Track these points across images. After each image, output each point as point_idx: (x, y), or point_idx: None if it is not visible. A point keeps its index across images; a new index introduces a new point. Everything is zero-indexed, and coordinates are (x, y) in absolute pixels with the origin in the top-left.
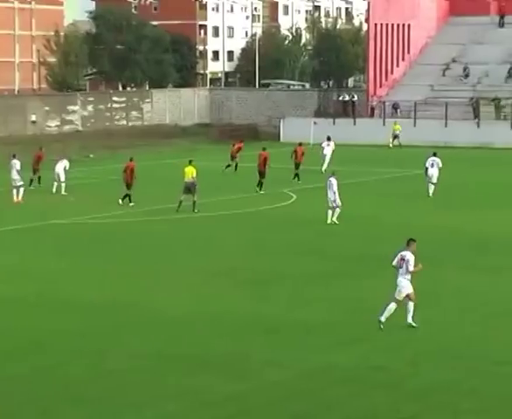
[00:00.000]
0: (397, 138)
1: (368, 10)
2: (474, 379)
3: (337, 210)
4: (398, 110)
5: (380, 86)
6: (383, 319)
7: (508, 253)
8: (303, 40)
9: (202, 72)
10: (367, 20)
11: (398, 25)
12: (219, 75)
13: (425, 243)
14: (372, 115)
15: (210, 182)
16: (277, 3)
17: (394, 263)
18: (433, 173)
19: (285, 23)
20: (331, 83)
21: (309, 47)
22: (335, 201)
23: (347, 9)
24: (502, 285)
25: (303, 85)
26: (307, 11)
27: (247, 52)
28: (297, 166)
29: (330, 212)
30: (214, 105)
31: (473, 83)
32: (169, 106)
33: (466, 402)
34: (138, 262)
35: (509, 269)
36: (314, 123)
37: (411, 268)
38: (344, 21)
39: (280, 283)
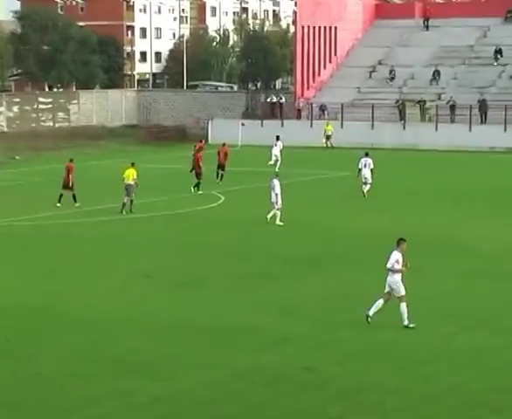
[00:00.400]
0: (330, 139)
1: (295, 13)
2: (400, 378)
3: (278, 213)
4: (326, 112)
5: (307, 88)
6: (370, 313)
7: (429, 253)
8: (231, 42)
9: (129, 73)
10: (294, 22)
11: (325, 28)
12: (147, 76)
13: (352, 245)
14: (299, 117)
15: (140, 183)
16: (204, 4)
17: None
18: (367, 173)
19: (212, 24)
20: (259, 84)
21: (237, 49)
22: (276, 202)
23: (274, 11)
24: (424, 285)
25: (231, 87)
26: (234, 13)
27: (175, 54)
28: (221, 167)
29: (272, 213)
30: (142, 106)
31: (398, 85)
32: (97, 107)
33: (391, 401)
34: (63, 264)
35: (429, 269)
36: (242, 124)
37: (389, 265)
38: (272, 23)
39: (208, 284)
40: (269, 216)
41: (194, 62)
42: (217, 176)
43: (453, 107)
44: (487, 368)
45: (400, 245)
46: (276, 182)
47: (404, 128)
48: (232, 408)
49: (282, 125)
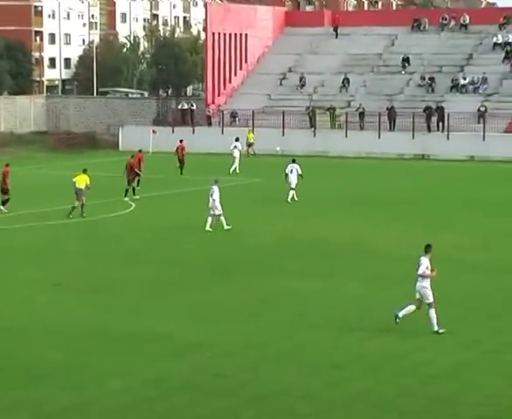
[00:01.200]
0: (252, 146)
1: (205, 20)
2: (311, 383)
3: (222, 218)
4: (237, 118)
5: (218, 95)
6: (400, 314)
7: (340, 258)
8: (141, 48)
9: (38, 79)
10: (205, 29)
11: (236, 35)
12: (56, 82)
13: (265, 252)
14: (210, 124)
15: (50, 190)
16: (114, 10)
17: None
18: (292, 179)
19: (123, 30)
20: (170, 91)
21: (148, 55)
22: (216, 208)
23: (185, 17)
24: (334, 289)
25: (142, 94)
26: (145, 19)
27: (85, 60)
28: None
29: (210, 219)
30: (51, 113)
31: (309, 92)
32: (5, 113)
33: (302, 407)
34: None
35: (341, 274)
36: (153, 132)
37: (420, 271)
38: (182, 30)
39: (118, 292)
40: (208, 225)
41: (104, 68)
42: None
43: (362, 114)
44: (396, 372)
45: (429, 251)
46: (215, 189)
47: (314, 135)
48: (143, 416)
49: (193, 132)
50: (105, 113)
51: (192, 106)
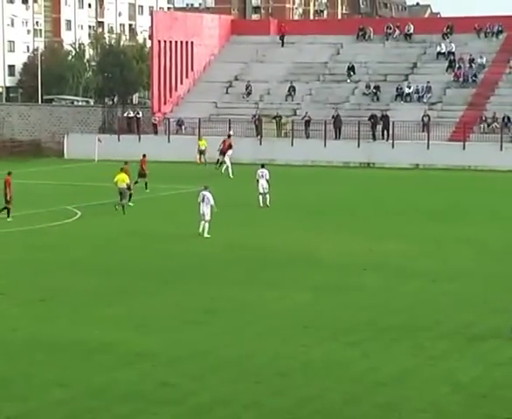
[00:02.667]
0: (203, 154)
1: (151, 27)
2: (256, 391)
3: (206, 225)
4: (183, 127)
5: (165, 103)
6: None
7: (285, 266)
8: (87, 56)
9: None
10: (151, 37)
11: (182, 43)
12: (0, 90)
13: (209, 259)
14: (156, 132)
15: None
16: (59, 18)
17: None
18: (264, 184)
19: (68, 38)
20: (116, 99)
21: (93, 63)
22: (207, 214)
23: (130, 25)
24: (279, 298)
25: (87, 101)
26: (90, 27)
27: (29, 67)
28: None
29: (203, 224)
30: None
31: (255, 101)
32: None
33: (247, 415)
34: None
35: (287, 282)
36: (99, 140)
37: None
38: (128, 37)
39: (62, 301)
40: (200, 230)
41: (49, 76)
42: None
43: (308, 123)
44: (341, 380)
45: None
46: (209, 195)
47: (260, 143)
48: None
49: (139, 140)
50: (50, 120)
51: (138, 114)
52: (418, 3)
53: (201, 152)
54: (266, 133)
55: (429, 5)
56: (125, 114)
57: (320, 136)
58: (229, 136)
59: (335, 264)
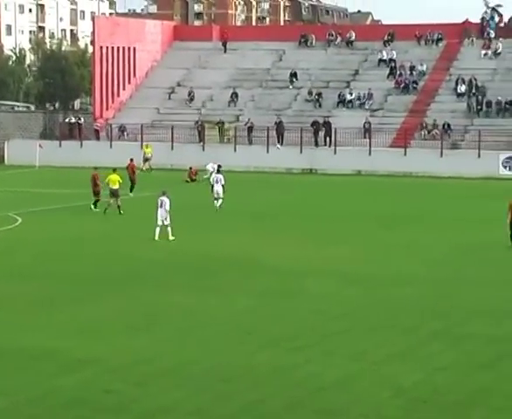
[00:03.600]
0: (149, 161)
1: (93, 33)
2: (199, 398)
3: (169, 229)
4: (125, 133)
5: (107, 109)
6: None
7: (229, 272)
8: (27, 61)
9: None
10: (92, 42)
11: (124, 48)
12: None
13: (153, 266)
14: (98, 138)
15: None
16: None
17: None
18: (219, 189)
19: (8, 43)
20: (57, 105)
21: (34, 68)
22: (166, 219)
23: (72, 30)
24: (223, 304)
25: (28, 107)
26: (31, 32)
27: None
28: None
29: (158, 230)
30: None
31: (197, 107)
32: None
33: None
34: None
35: (230, 288)
36: (40, 146)
37: None
38: (70, 43)
39: (4, 308)
40: (156, 237)
41: None
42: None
43: (250, 129)
44: (284, 385)
45: None
46: (166, 200)
47: (203, 150)
48: None
49: (81, 146)
50: None
51: (80, 119)
52: (359, 11)
53: (146, 159)
54: (208, 140)
55: (370, 13)
56: (66, 120)
57: (262, 142)
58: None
59: (278, 270)
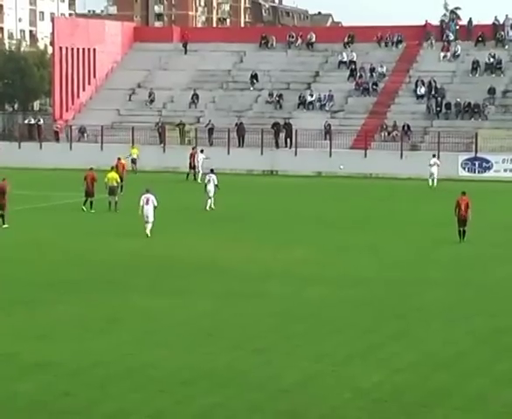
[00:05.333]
0: (135, 162)
1: (53, 34)
2: (160, 400)
3: (149, 225)
4: (85, 134)
5: (67, 110)
6: None
7: (189, 275)
8: None
9: None
10: (52, 43)
11: (84, 49)
12: None
13: (113, 268)
14: (58, 139)
15: None
16: None
17: None
18: (210, 188)
19: None
20: (16, 106)
21: None
22: (151, 215)
23: (31, 31)
24: (183, 306)
25: None
26: None
27: None
28: None
29: (149, 226)
30: None
31: (158, 108)
32: None
33: None
34: None
35: (190, 291)
36: None
37: None
38: (29, 43)
39: None
40: (148, 232)
41: None
42: None
43: (211, 131)
44: (244, 387)
45: None
46: (152, 197)
47: (164, 151)
48: None
49: (41, 147)
50: None
51: (39, 121)
52: (320, 13)
53: (132, 160)
54: (169, 141)
55: (331, 14)
56: (26, 121)
57: (223, 144)
58: (193, 148)
59: (239, 272)
